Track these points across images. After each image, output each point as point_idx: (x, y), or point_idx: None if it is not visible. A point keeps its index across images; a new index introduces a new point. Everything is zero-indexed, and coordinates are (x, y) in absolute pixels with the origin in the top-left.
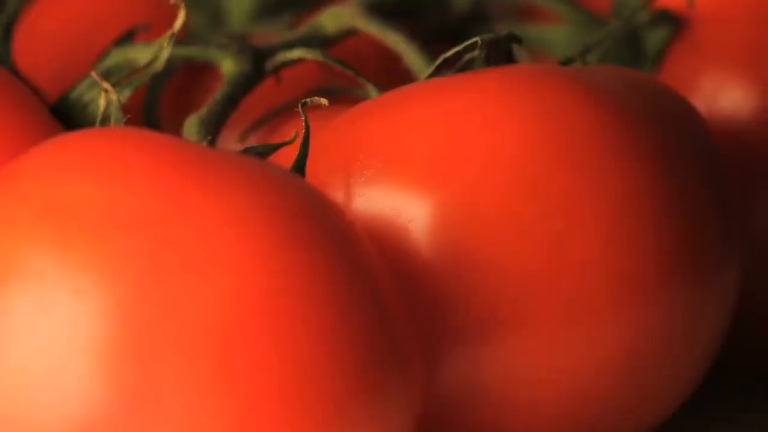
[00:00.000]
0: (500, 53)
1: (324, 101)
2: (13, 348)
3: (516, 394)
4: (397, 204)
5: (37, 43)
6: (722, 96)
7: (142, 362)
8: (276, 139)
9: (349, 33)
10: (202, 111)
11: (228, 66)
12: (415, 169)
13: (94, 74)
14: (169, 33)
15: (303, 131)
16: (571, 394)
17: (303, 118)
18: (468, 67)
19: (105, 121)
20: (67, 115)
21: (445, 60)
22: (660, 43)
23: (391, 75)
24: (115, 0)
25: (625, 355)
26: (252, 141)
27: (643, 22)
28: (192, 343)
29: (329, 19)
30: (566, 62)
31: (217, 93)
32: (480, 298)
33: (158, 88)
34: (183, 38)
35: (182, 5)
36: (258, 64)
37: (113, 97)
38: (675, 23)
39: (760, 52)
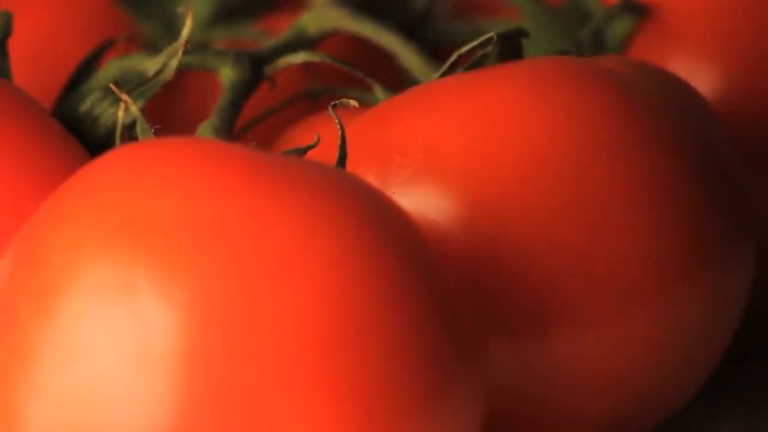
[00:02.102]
0: (512, 48)
1: (354, 102)
2: (103, 358)
3: (561, 383)
4: (437, 202)
5: None
6: (690, 82)
7: (239, 370)
8: (279, 144)
9: (330, 35)
10: (213, 119)
11: (227, 73)
12: (454, 167)
13: (113, 87)
14: (178, 42)
15: (339, 133)
16: (612, 382)
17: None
18: (481, 62)
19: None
20: (72, 127)
21: (439, 57)
22: (623, 32)
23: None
24: (74, 10)
25: (661, 343)
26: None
27: (617, 13)
28: (289, 348)
29: (312, 22)
30: (562, 54)
31: (221, 100)
32: (524, 291)
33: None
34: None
35: (189, 14)
36: (256, 70)
37: (133, 108)
38: (639, 11)
39: (726, 38)
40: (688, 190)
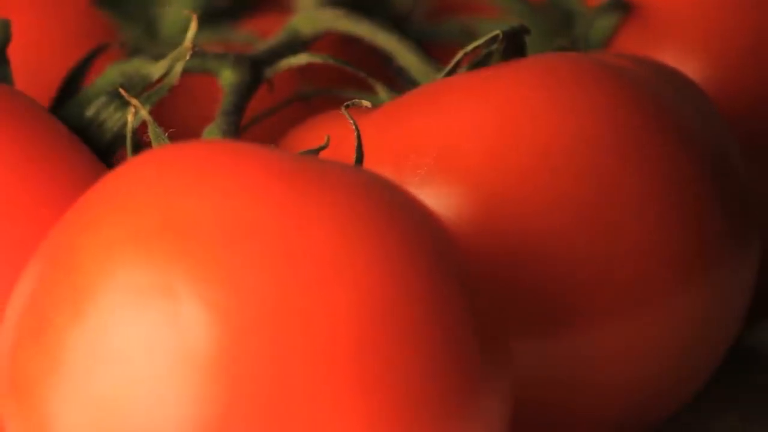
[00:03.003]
0: (516, 46)
1: (367, 103)
2: (140, 361)
3: (573, 381)
4: (453, 202)
5: None
6: None
7: (276, 372)
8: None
9: (323, 36)
10: (219, 122)
11: (227, 76)
12: (469, 167)
13: (122, 91)
14: (183, 46)
15: (355, 134)
16: (622, 379)
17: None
18: (486, 60)
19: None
20: (77, 133)
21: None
22: (609, 28)
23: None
24: (55, 15)
25: (673, 338)
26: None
27: (605, 10)
28: (326, 351)
29: (305, 23)
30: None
31: (224, 104)
32: (543, 289)
33: None
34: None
35: (194, 18)
36: (255, 72)
37: (144, 112)
38: (626, 8)
39: (711, 33)
40: (697, 187)
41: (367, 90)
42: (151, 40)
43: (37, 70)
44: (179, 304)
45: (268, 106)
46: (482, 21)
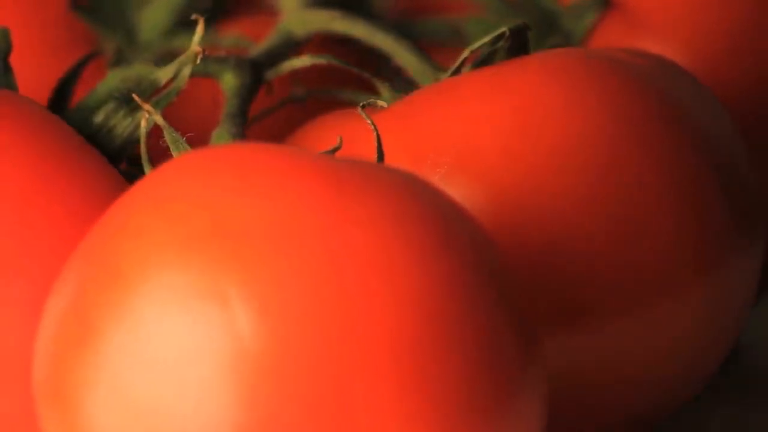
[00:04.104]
0: (521, 43)
1: (383, 103)
2: (193, 367)
3: (597, 377)
4: (475, 201)
5: None
6: None
7: (328, 374)
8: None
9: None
10: (227, 125)
11: (229, 79)
12: (489, 166)
13: (136, 97)
14: (191, 50)
15: (374, 135)
16: (646, 372)
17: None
18: (490, 58)
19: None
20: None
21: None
22: (589, 23)
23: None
24: (34, 22)
25: (682, 332)
26: None
27: (587, 6)
28: (380, 354)
29: (297, 24)
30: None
31: (228, 107)
32: (563, 285)
33: None
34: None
35: (201, 21)
36: (256, 75)
37: (158, 117)
38: (606, 3)
39: (693, 27)
40: (707, 180)
41: (366, 90)
42: (129, 46)
43: (17, 75)
44: (232, 309)
45: (259, 108)
46: (470, 20)
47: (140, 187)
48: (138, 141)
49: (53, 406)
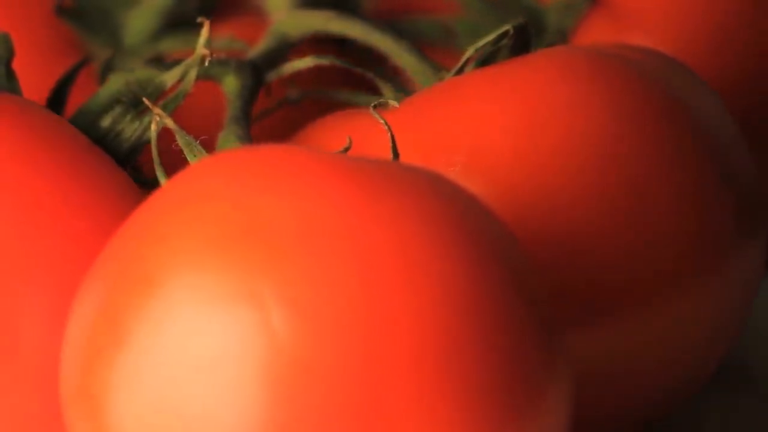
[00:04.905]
0: (523, 41)
1: (395, 103)
2: (226, 368)
3: (595, 375)
4: (489, 199)
5: None
6: None
7: (361, 373)
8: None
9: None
10: (233, 128)
11: (230, 82)
12: (501, 164)
13: (147, 101)
14: (198, 53)
15: (389, 135)
16: (646, 370)
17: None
18: (493, 56)
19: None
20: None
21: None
22: (574, 21)
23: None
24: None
25: (693, 332)
26: None
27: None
28: (415, 352)
29: (291, 25)
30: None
31: (232, 109)
32: (574, 283)
33: None
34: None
35: (207, 23)
36: (257, 77)
37: (168, 120)
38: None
39: (679, 22)
40: (715, 175)
41: (364, 91)
42: (115, 50)
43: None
44: (267, 310)
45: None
46: (460, 20)
47: (168, 189)
48: (144, 145)
49: (84, 413)
